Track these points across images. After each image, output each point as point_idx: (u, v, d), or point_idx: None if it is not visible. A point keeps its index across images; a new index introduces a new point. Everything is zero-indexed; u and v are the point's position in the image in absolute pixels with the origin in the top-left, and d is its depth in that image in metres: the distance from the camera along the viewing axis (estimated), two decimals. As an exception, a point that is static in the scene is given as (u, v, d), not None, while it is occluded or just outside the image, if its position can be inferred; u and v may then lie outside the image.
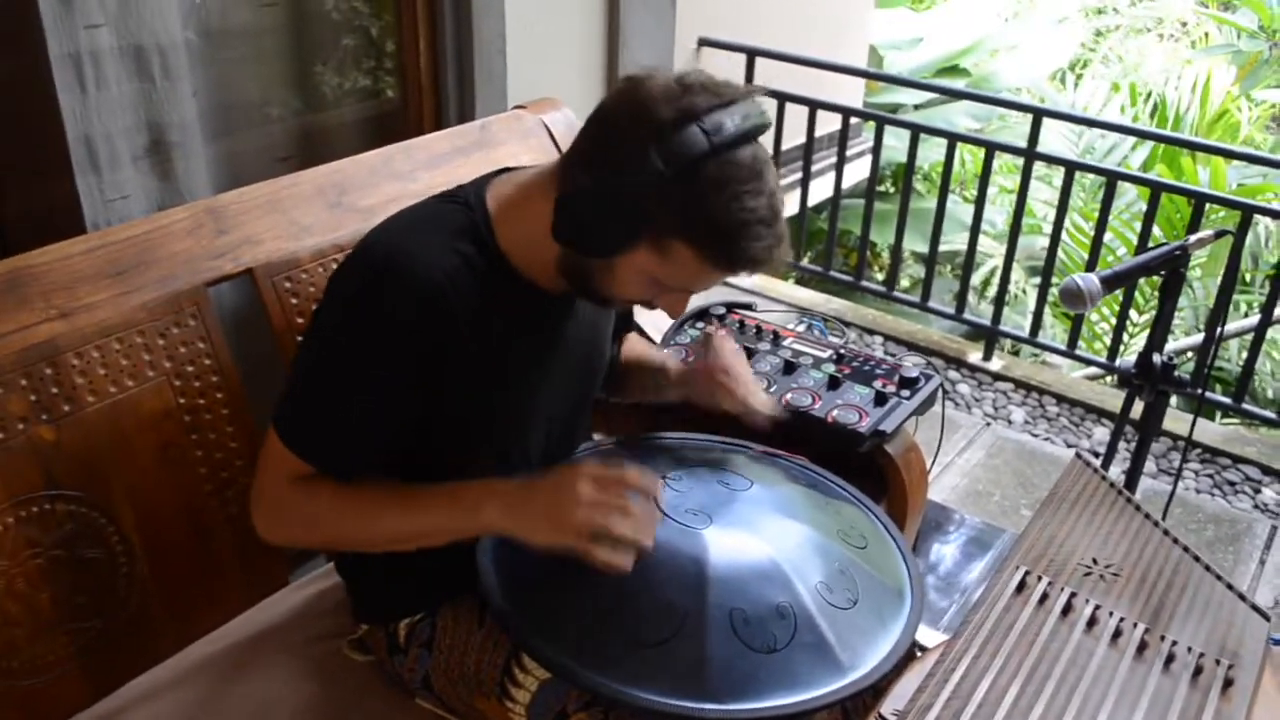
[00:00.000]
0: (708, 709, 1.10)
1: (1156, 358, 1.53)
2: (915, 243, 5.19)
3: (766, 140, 1.17)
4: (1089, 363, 3.95)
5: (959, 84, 5.83)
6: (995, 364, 3.77)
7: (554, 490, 1.14)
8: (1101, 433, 3.49)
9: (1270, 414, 3.30)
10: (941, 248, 4.05)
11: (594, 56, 2.13)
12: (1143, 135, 5.22)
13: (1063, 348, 3.72)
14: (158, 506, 1.33)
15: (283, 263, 1.44)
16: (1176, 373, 1.53)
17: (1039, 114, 3.47)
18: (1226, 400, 3.40)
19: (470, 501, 1.18)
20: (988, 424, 3.44)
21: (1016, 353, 5.01)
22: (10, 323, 1.20)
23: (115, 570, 1.31)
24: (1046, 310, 3.79)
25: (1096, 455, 3.37)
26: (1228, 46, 5.91)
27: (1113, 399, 3.63)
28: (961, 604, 2.41)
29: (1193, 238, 1.48)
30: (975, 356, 3.81)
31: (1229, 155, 4.46)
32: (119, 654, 1.34)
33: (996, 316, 3.76)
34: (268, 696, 1.37)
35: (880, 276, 5.87)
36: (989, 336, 3.80)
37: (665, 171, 1.07)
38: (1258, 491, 3.18)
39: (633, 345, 1.62)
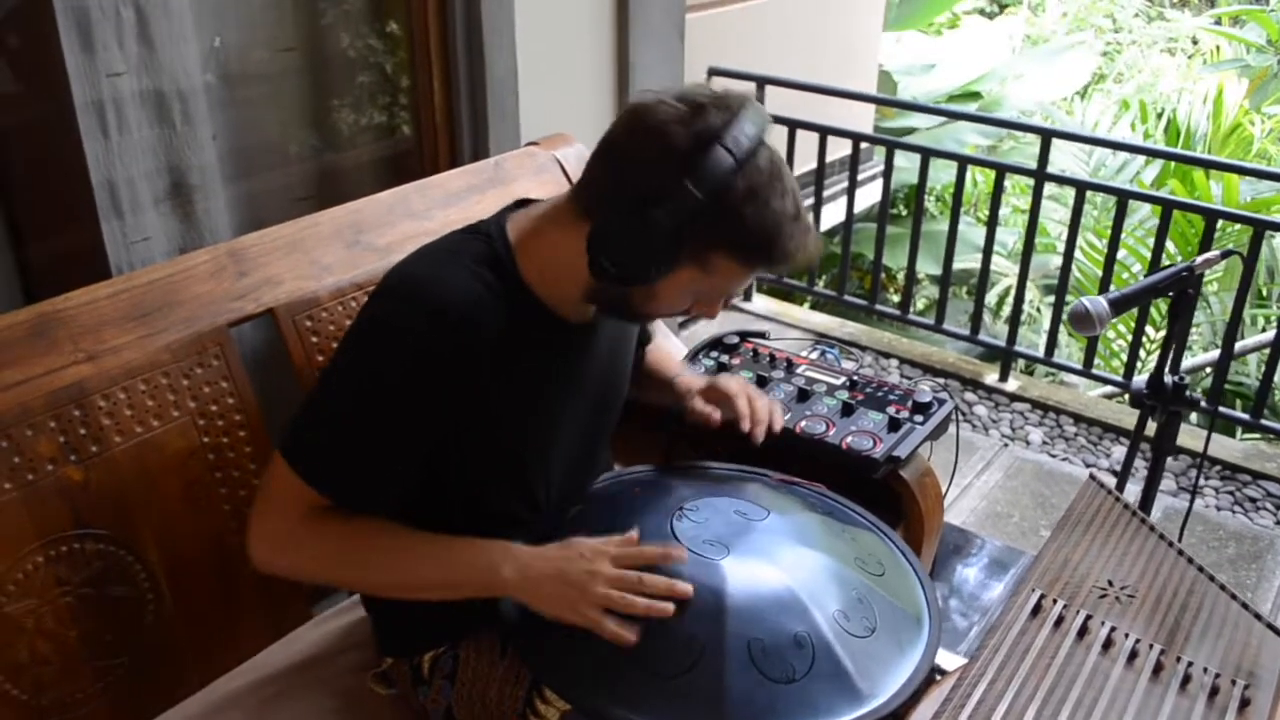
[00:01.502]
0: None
1: (1168, 377, 1.54)
2: (928, 265, 5.20)
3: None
4: (1106, 381, 3.95)
5: (969, 107, 5.85)
6: (1012, 384, 3.76)
7: (574, 568, 1.16)
8: (1120, 452, 3.47)
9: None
10: (954, 269, 4.06)
11: (605, 90, 2.16)
12: (1148, 153, 5.22)
13: (1079, 367, 3.71)
14: (183, 544, 1.36)
15: (303, 302, 1.47)
16: (1190, 391, 1.53)
17: (1047, 135, 3.48)
18: (1245, 416, 3.39)
19: (486, 563, 1.19)
20: (1005, 445, 3.44)
21: (1031, 372, 5.00)
22: (39, 366, 1.23)
23: (142, 607, 1.33)
24: (1061, 329, 3.78)
25: (1115, 474, 3.36)
26: (1237, 62, 5.92)
27: (1130, 417, 3.61)
28: (983, 625, 2.40)
29: (1200, 258, 1.49)
30: (992, 378, 3.80)
31: (1238, 171, 4.46)
32: (145, 690, 1.36)
33: (1012, 337, 3.75)
34: (294, 731, 1.39)
35: (894, 299, 5.88)
36: (1005, 357, 3.80)
37: (698, 197, 1.10)
38: (1279, 508, 3.16)
39: (654, 354, 1.64)
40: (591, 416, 1.41)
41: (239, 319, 1.41)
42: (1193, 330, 3.46)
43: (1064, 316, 3.69)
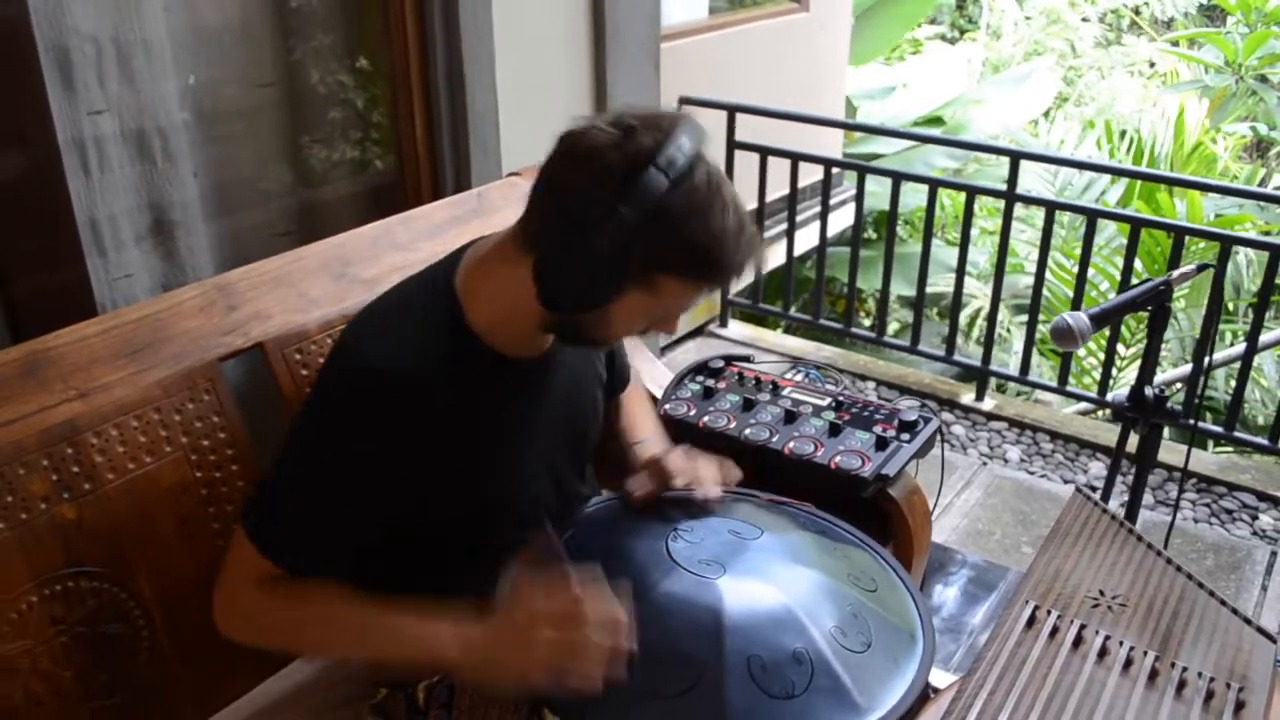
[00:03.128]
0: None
1: (1149, 391, 1.57)
2: (900, 287, 5.26)
3: (749, 192, 1.22)
4: (1080, 398, 4.00)
5: (936, 131, 5.94)
6: (988, 404, 3.81)
7: (512, 640, 1.12)
8: (1097, 467, 3.52)
9: (1262, 440, 3.34)
10: (926, 291, 4.11)
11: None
12: (1117, 172, 5.31)
13: (1054, 385, 3.76)
14: (177, 580, 1.35)
15: (292, 335, 1.47)
16: (1169, 404, 1.56)
17: (1016, 157, 3.54)
18: (1218, 429, 3.44)
19: (434, 643, 1.16)
20: (984, 464, 3.47)
21: (1003, 390, 5.05)
22: (31, 404, 1.23)
23: (137, 645, 1.32)
24: (1035, 348, 3.83)
25: (1094, 489, 3.40)
26: (1196, 83, 6.06)
27: (1106, 433, 3.67)
28: (969, 644, 2.42)
29: (1175, 272, 1.52)
30: (968, 397, 3.84)
31: (1206, 189, 4.55)
32: (142, 729, 1.35)
33: (986, 357, 3.80)
34: (291, 766, 1.38)
35: (866, 323, 5.94)
36: (980, 377, 3.84)
37: (635, 220, 1.09)
38: (1255, 518, 3.21)
39: (628, 407, 1.63)
40: (560, 451, 1.41)
41: (229, 353, 1.41)
42: (1162, 347, 3.51)
43: (1038, 334, 3.72)
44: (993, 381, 4.35)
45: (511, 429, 1.30)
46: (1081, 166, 5.67)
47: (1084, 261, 3.46)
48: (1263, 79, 5.81)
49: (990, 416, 3.77)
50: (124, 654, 1.31)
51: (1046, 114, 7.04)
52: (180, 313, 1.39)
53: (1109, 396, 1.51)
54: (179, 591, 1.35)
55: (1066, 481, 3.43)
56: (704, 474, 1.43)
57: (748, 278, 1.22)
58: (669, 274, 1.14)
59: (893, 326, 5.95)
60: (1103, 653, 1.18)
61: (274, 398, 1.47)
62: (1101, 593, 1.28)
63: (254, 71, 1.85)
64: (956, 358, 3.92)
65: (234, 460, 1.41)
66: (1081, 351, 5.25)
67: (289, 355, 1.47)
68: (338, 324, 1.52)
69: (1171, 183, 5.17)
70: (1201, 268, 1.60)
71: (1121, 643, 1.19)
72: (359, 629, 1.19)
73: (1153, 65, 9.21)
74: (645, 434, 1.58)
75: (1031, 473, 3.48)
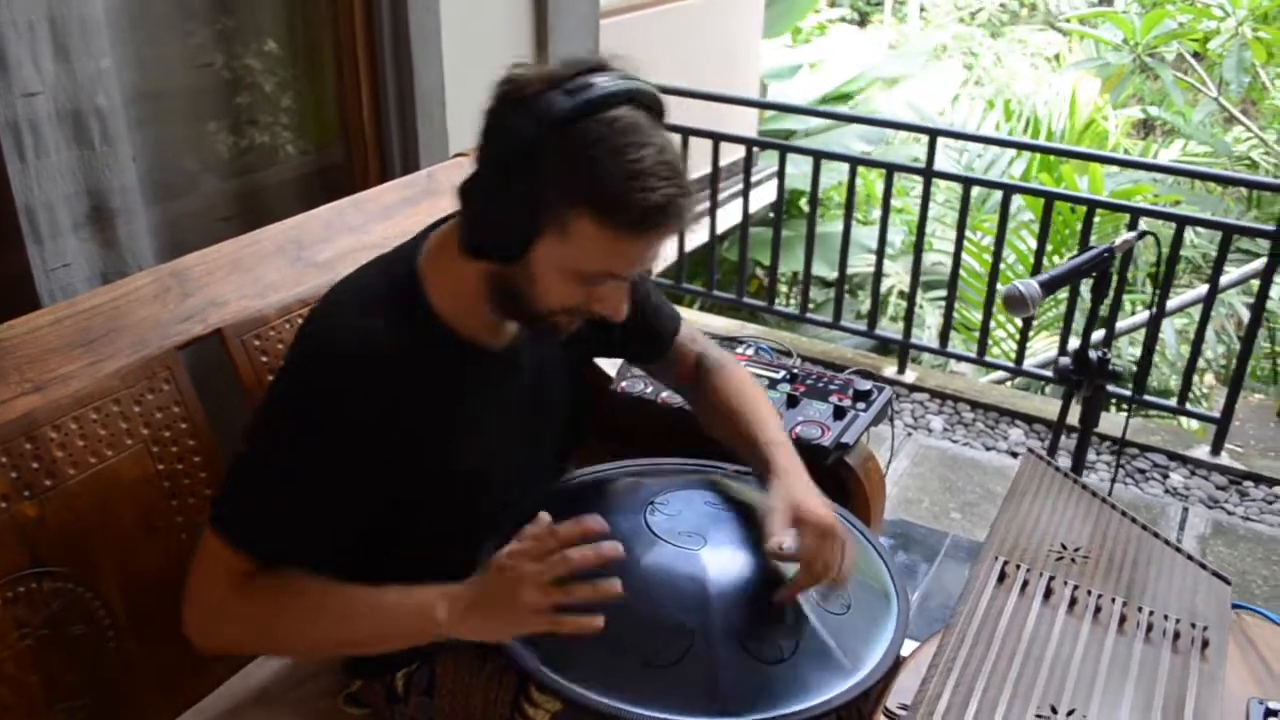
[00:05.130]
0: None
1: (1092, 354, 1.63)
2: (817, 268, 5.35)
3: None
4: (999, 368, 4.12)
5: (844, 108, 6.05)
6: (910, 375, 3.90)
7: (497, 587, 1.10)
8: (1016, 434, 3.64)
9: (1170, 403, 3.49)
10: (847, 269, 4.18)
11: (525, 100, 2.17)
12: (1032, 149, 5.50)
13: (973, 355, 3.87)
14: (142, 576, 1.31)
15: (250, 321, 1.44)
16: (1110, 367, 1.63)
17: (934, 134, 3.63)
18: (1128, 393, 3.59)
19: (418, 609, 1.13)
20: (909, 434, 3.56)
21: (917, 361, 5.17)
22: (-14, 399, 1.18)
23: (103, 645, 1.28)
24: (945, 322, 3.94)
25: (1015, 456, 3.52)
26: (1095, 61, 6.27)
27: (1023, 401, 3.80)
28: (919, 608, 2.49)
29: (1119, 240, 1.59)
30: (890, 370, 3.94)
31: (1119, 163, 4.73)
32: (110, 731, 1.31)
33: (907, 331, 3.90)
34: (269, 759, 1.35)
35: (787, 301, 6.02)
36: (902, 350, 3.93)
37: (531, 135, 1.05)
38: (1166, 477, 3.36)
39: (741, 390, 1.50)
40: (529, 436, 1.38)
41: (187, 341, 1.37)
42: (1072, 317, 3.64)
43: (959, 308, 3.77)
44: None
45: (478, 416, 1.27)
46: (999, 143, 5.86)
47: (1000, 235, 3.57)
48: (1158, 57, 6.06)
49: (913, 388, 3.86)
50: (90, 656, 1.27)
51: (954, 100, 7.22)
52: (135, 300, 1.35)
53: (1062, 361, 1.56)
54: (144, 590, 1.31)
55: (989, 449, 3.54)
56: (837, 559, 1.25)
57: (670, 248, 1.13)
58: (578, 212, 1.07)
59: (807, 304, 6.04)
60: (1072, 602, 1.23)
61: (233, 388, 1.43)
62: (1064, 546, 1.33)
63: (194, 51, 1.79)
64: (878, 332, 4.00)
65: (196, 452, 1.37)
66: (991, 324, 5.42)
67: (248, 342, 1.43)
68: (296, 309, 1.49)
69: (1086, 158, 5.34)
70: (1142, 234, 1.67)
71: (1090, 592, 1.24)
72: (342, 612, 1.16)
73: (1048, 46, 9.51)
74: (773, 433, 1.41)
75: (955, 441, 3.59)
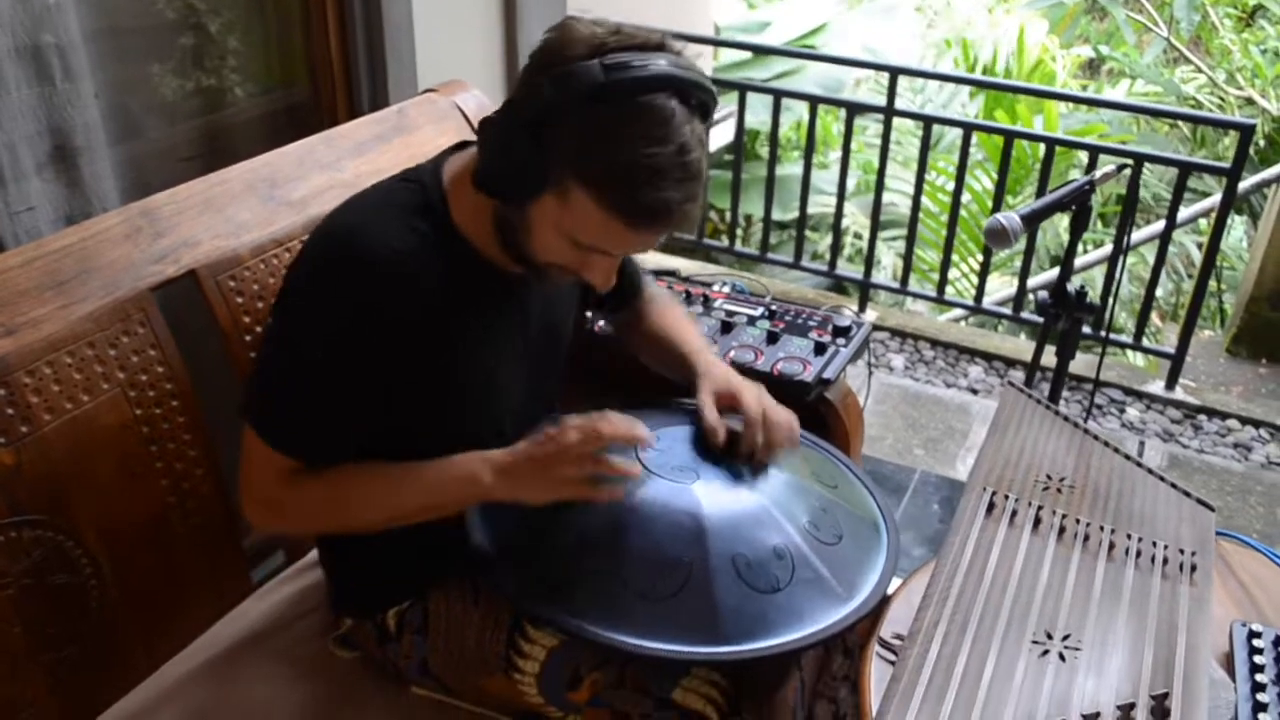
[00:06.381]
0: (732, 650, 1.14)
1: (1069, 287, 1.64)
2: (773, 211, 5.35)
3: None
4: (960, 306, 4.15)
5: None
6: (870, 315, 3.93)
7: (543, 449, 1.18)
8: (976, 371, 3.68)
9: (1126, 339, 3.55)
10: (795, 213, 4.18)
11: (493, 36, 2.11)
12: (998, 87, 5.46)
13: (933, 295, 3.90)
14: (122, 523, 1.28)
15: (224, 261, 1.40)
16: (1087, 300, 1.64)
17: (895, 72, 3.62)
18: (1089, 331, 3.64)
19: (466, 474, 1.20)
20: (870, 372, 3.59)
21: (872, 299, 5.22)
22: (-43, 344, 1.14)
23: (85, 593, 1.26)
24: (906, 262, 3.96)
25: (975, 392, 3.57)
26: (1049, 0, 6.30)
27: (982, 339, 3.84)
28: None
29: (1098, 173, 1.59)
30: (851, 309, 3.95)
31: (1081, 101, 4.74)
32: (96, 680, 1.29)
33: (868, 271, 3.92)
34: (260, 704, 1.34)
35: (745, 244, 6.01)
36: (863, 289, 3.95)
37: (554, 101, 1.05)
38: (1123, 411, 3.43)
39: (665, 310, 1.55)
40: (533, 361, 1.39)
41: (161, 282, 1.33)
42: (1031, 255, 3.67)
43: (918, 249, 3.76)
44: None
45: (488, 328, 1.28)
46: (960, 80, 5.88)
47: (960, 174, 3.58)
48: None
49: (874, 327, 3.89)
50: (72, 605, 1.24)
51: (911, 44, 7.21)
52: (105, 241, 1.30)
53: (1036, 294, 1.58)
54: (125, 536, 1.29)
55: (949, 386, 3.59)
56: (779, 417, 1.34)
57: (672, 230, 1.11)
58: (580, 185, 1.07)
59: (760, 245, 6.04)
60: (1061, 531, 1.25)
61: (208, 330, 1.40)
62: (1049, 476, 1.35)
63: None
64: (839, 271, 4.02)
65: (174, 396, 1.34)
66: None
67: (223, 283, 1.39)
68: (270, 249, 1.45)
69: (1049, 96, 5.39)
70: (1121, 168, 1.68)
71: (1078, 521, 1.26)
72: (389, 487, 1.22)
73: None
74: (696, 342, 1.48)
75: (916, 379, 3.63)
